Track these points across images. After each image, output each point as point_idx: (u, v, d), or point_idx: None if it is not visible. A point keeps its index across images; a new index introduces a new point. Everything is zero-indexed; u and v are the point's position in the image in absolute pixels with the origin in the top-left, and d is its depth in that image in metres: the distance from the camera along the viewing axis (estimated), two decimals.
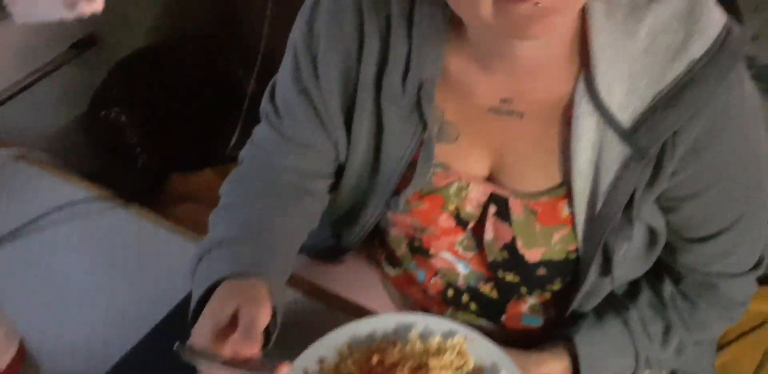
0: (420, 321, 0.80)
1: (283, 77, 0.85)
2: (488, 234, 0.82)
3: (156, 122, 1.39)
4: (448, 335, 0.78)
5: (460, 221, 0.83)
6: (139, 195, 1.06)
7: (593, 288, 0.82)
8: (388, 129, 0.79)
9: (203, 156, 1.43)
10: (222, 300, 0.71)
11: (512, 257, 0.82)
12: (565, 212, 0.77)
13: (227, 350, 0.67)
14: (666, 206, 0.76)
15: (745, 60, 0.70)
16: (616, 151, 0.71)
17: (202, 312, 0.71)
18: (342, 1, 0.76)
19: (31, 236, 0.96)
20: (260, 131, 0.91)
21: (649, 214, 0.76)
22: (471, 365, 0.74)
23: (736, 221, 0.77)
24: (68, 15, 1.11)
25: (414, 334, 0.79)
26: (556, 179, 0.76)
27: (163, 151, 1.40)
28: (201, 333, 0.69)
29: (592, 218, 0.76)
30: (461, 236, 0.85)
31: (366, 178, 0.85)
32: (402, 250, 0.93)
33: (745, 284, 0.84)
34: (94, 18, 1.34)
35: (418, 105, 0.76)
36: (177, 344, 0.68)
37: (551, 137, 0.75)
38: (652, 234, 0.79)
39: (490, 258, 0.84)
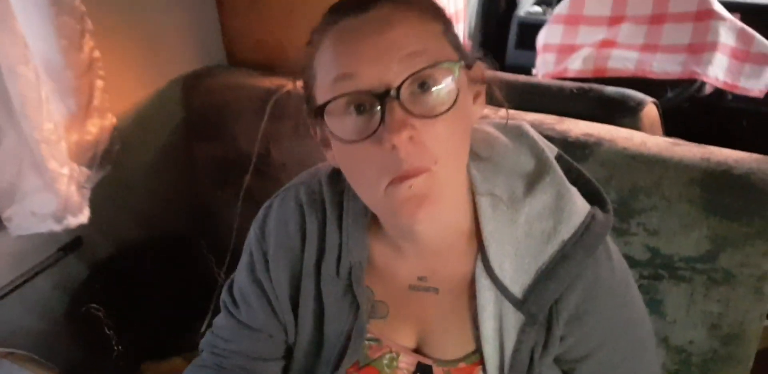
0: None
1: (240, 272, 1.01)
2: None
3: (132, 314, 1.51)
4: None
5: None
6: None
7: None
8: (328, 309, 0.93)
9: (175, 344, 1.54)
10: None
11: None
12: None
13: None
14: (566, 369, 0.89)
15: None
16: (513, 318, 0.85)
17: None
18: (287, 208, 0.95)
19: None
20: (218, 320, 1.05)
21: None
22: None
23: (634, 360, 0.89)
24: (57, 227, 1.29)
25: None
26: (470, 346, 0.90)
27: (137, 341, 1.50)
28: None
29: None
30: None
31: (313, 354, 0.97)
32: None
33: None
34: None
35: (350, 287, 0.91)
36: None
37: (463, 308, 0.90)
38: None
39: None
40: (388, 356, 0.93)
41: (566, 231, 0.83)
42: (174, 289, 1.59)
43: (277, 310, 0.97)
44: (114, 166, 1.54)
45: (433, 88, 0.74)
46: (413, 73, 0.72)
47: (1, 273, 1.40)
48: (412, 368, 0.93)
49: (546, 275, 0.83)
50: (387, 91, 0.72)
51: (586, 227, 0.83)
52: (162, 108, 1.69)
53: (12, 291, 1.40)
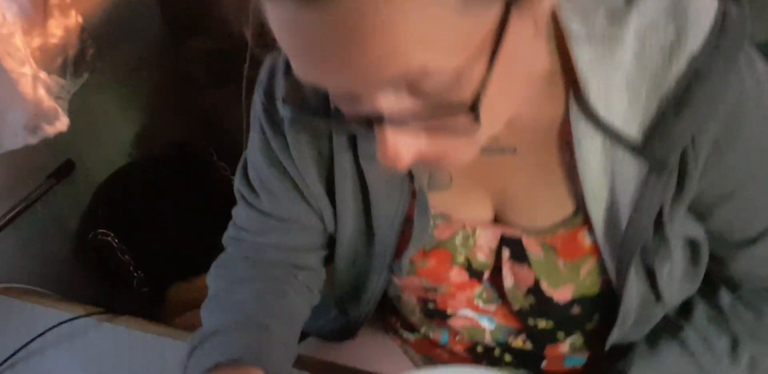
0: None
1: (253, 153, 0.80)
2: (508, 281, 0.75)
3: (147, 236, 1.35)
4: None
5: (474, 273, 0.76)
6: (141, 313, 1.00)
7: (640, 317, 0.74)
8: (374, 188, 0.74)
9: (203, 262, 1.38)
10: None
11: (540, 301, 0.74)
12: (587, 241, 0.70)
13: None
14: (700, 213, 0.69)
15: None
16: (632, 168, 0.64)
17: None
18: None
19: (23, 365, 0.90)
20: (238, 213, 0.86)
21: (684, 226, 0.68)
22: None
23: None
24: (33, 140, 1.10)
25: None
26: (568, 208, 0.70)
27: (158, 264, 1.35)
28: None
29: (618, 243, 0.68)
30: (478, 289, 0.78)
31: (362, 246, 0.79)
32: (416, 316, 0.86)
33: None
34: (66, 145, 1.34)
35: None
36: None
37: (553, 166, 0.69)
38: (693, 247, 0.71)
39: (515, 307, 0.77)
40: (461, 233, 0.74)
41: (694, 40, 0.59)
42: (188, 203, 1.42)
43: (307, 195, 0.78)
44: (92, 73, 1.34)
45: None
46: None
47: None
48: (495, 244, 0.74)
49: (675, 105, 0.61)
50: None
51: (721, 30, 0.60)
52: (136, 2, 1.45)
53: (3, 226, 1.22)
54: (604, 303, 0.73)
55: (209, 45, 1.50)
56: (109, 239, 1.29)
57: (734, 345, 0.74)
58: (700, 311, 0.77)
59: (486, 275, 0.76)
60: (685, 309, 0.78)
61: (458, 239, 0.74)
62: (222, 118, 1.57)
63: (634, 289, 0.70)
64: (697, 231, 0.69)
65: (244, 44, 1.52)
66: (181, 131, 1.61)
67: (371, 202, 0.75)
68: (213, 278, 0.85)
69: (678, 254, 0.70)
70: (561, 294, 0.73)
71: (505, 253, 0.73)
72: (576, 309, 0.74)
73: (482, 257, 0.75)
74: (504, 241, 0.73)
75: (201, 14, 1.46)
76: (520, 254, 0.72)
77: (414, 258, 0.76)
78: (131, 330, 0.95)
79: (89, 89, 1.35)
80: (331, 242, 0.84)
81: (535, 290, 0.73)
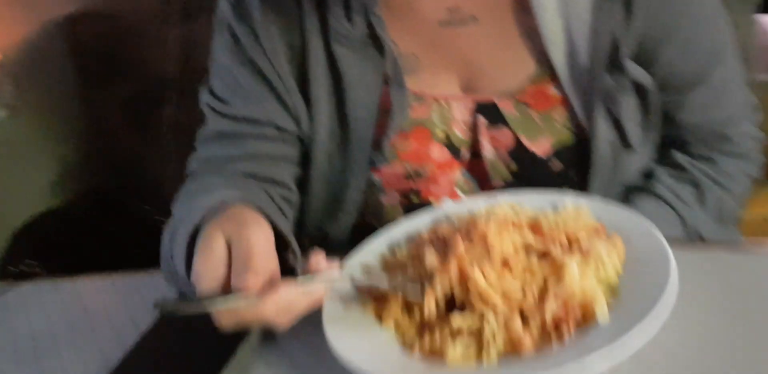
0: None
1: (221, 58, 0.84)
2: (487, 151, 0.81)
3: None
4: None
5: (454, 150, 0.82)
6: None
7: (613, 168, 0.81)
8: (348, 75, 0.79)
9: None
10: (207, 239, 0.60)
11: (522, 165, 0.81)
12: (554, 93, 0.79)
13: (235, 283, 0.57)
14: (646, 59, 0.79)
15: None
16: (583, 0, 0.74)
17: (193, 267, 0.59)
18: None
19: None
20: (207, 129, 0.86)
21: (633, 70, 0.78)
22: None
23: (713, 60, 0.81)
24: None
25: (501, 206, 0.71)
26: (532, 65, 0.79)
27: None
28: (206, 283, 0.57)
29: (582, 89, 0.77)
30: (459, 175, 0.83)
31: (337, 147, 0.83)
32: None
33: (750, 127, 0.87)
34: None
35: (371, 34, 0.78)
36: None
37: (512, 28, 0.79)
38: (641, 93, 0.80)
39: (497, 183, 0.82)
40: (436, 109, 0.82)
41: None
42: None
43: (280, 91, 0.81)
44: (11, 111, 1.32)
45: None
46: None
47: None
48: (469, 114, 0.81)
49: None
50: None
51: None
52: (53, 41, 1.48)
53: None
54: (580, 155, 0.81)
55: (125, 91, 1.54)
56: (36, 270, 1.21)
57: (699, 192, 0.84)
58: (661, 171, 0.86)
59: (465, 154, 0.82)
60: (649, 175, 0.87)
61: (435, 115, 0.81)
62: (142, 163, 1.57)
63: (603, 136, 0.79)
64: (645, 78, 0.79)
65: (162, 88, 1.58)
66: (100, 176, 1.58)
67: (345, 91, 0.80)
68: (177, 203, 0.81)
69: (630, 102, 0.79)
70: (541, 146, 0.80)
71: (481, 122, 0.81)
72: (556, 164, 0.81)
73: (459, 132, 0.82)
74: (479, 109, 0.81)
75: (115, 59, 1.51)
76: (496, 118, 0.80)
77: (394, 142, 0.81)
78: None
79: (6, 130, 1.32)
80: (304, 160, 0.85)
81: (517, 150, 0.80)
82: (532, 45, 0.79)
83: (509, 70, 0.81)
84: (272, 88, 0.81)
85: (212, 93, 0.85)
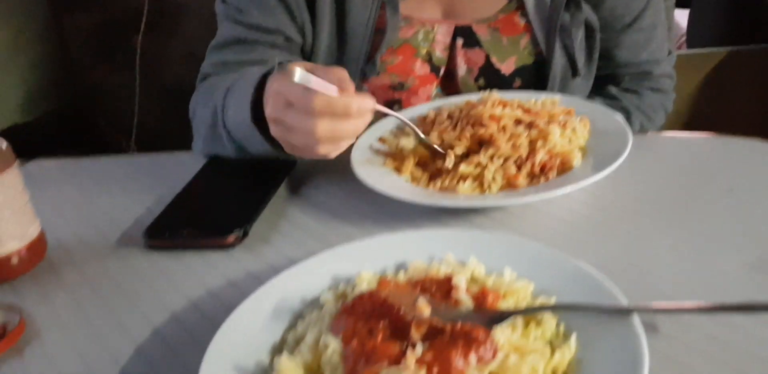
0: None
1: None
2: (461, 69, 0.98)
3: None
4: None
5: (433, 67, 0.99)
6: None
7: (561, 89, 0.99)
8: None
9: None
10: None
11: (489, 80, 0.98)
12: (521, 22, 0.97)
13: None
14: (594, 3, 0.98)
15: None
16: None
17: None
18: None
19: None
20: (223, 34, 0.98)
21: (586, 10, 0.97)
22: None
23: (646, 6, 1.00)
24: None
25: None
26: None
27: None
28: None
29: (545, 20, 0.95)
30: (434, 90, 0.99)
31: (335, 57, 0.97)
32: None
33: (668, 68, 1.08)
34: None
35: None
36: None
37: None
38: (589, 30, 0.99)
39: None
40: (421, 31, 0.98)
41: None
42: None
43: (292, 6, 0.94)
44: None
45: None
46: None
47: None
48: (449, 37, 0.98)
49: None
50: None
51: None
52: None
53: None
54: (537, 75, 0.99)
55: (97, 17, 1.60)
56: None
57: (626, 118, 1.02)
58: (598, 100, 1.05)
59: (442, 70, 0.98)
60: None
61: (420, 36, 0.98)
62: (109, 89, 1.64)
63: (557, 61, 0.97)
64: (592, 17, 0.98)
65: (134, 12, 1.64)
66: (65, 100, 1.62)
67: (347, 11, 0.94)
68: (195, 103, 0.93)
69: (581, 36, 0.98)
70: (507, 66, 0.98)
71: (459, 42, 0.98)
72: (517, 82, 0.99)
73: (439, 52, 0.98)
74: (457, 32, 0.98)
75: None
76: (471, 40, 0.98)
77: (384, 57, 0.97)
78: None
79: None
80: None
81: (486, 67, 0.98)
82: None
83: (485, 1, 0.98)
84: (285, 4, 0.94)
85: (227, 3, 0.97)
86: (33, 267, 0.71)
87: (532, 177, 0.73)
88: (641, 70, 1.05)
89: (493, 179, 0.72)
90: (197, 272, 0.69)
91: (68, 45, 1.64)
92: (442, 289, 0.51)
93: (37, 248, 0.71)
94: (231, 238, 0.71)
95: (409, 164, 0.77)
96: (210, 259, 0.70)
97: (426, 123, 0.83)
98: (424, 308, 0.47)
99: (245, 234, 0.72)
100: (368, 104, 0.66)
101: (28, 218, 0.70)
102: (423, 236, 0.62)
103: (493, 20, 0.97)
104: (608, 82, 1.06)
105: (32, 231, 0.70)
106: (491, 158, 0.74)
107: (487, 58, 0.97)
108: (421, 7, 0.98)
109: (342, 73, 0.68)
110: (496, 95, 0.84)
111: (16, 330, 0.61)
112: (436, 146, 0.76)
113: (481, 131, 0.75)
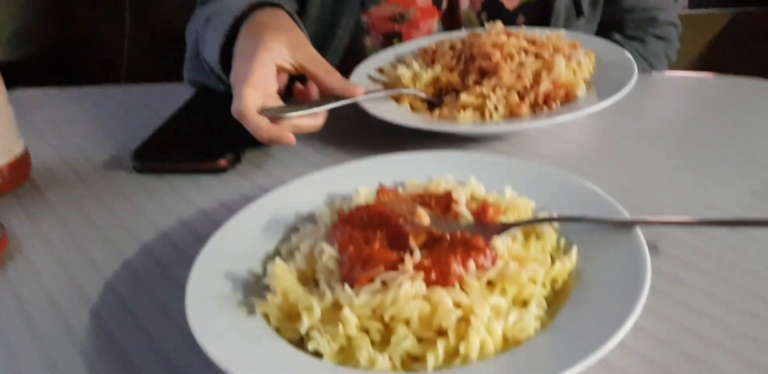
0: None
1: None
2: (464, 3, 0.95)
3: None
4: None
5: (435, 0, 0.95)
6: None
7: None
8: None
9: None
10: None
11: (491, 13, 0.95)
12: None
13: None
14: None
15: None
16: None
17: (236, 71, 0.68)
18: None
19: None
20: None
21: None
22: None
23: None
24: None
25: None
26: None
27: None
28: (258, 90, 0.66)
29: None
30: (436, 24, 0.96)
31: None
32: None
33: (673, 15, 1.05)
34: None
35: None
36: None
37: None
38: None
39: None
40: None
41: None
42: None
43: None
44: None
45: None
46: None
47: None
48: None
49: None
50: None
51: None
52: None
53: None
54: (541, 13, 0.96)
55: None
56: None
57: None
58: None
59: (444, 3, 0.95)
60: None
61: None
62: (98, 32, 1.59)
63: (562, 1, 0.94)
64: None
65: None
66: (53, 42, 1.58)
67: None
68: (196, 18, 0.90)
69: None
70: (510, 1, 0.95)
71: None
72: (520, 19, 0.96)
73: None
74: None
75: None
76: None
77: None
78: None
79: None
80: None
81: (490, 2, 0.94)
82: None
83: None
84: None
85: None
86: (17, 187, 0.69)
87: (535, 107, 0.71)
88: (646, 17, 1.03)
89: (495, 108, 0.70)
90: (188, 194, 0.67)
91: None
92: (441, 203, 0.49)
93: (21, 167, 0.69)
94: (223, 161, 0.69)
95: (408, 98, 0.74)
96: (201, 182, 0.68)
97: (427, 54, 0.81)
98: (424, 217, 0.45)
99: (238, 159, 0.70)
100: (287, 137, 0.64)
101: (11, 135, 0.68)
102: (422, 157, 0.60)
103: None
104: (612, 29, 1.04)
105: (15, 149, 0.68)
106: (493, 88, 0.72)
107: None
108: None
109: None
110: (500, 25, 0.81)
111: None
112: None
113: (485, 62, 0.73)
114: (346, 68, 1.01)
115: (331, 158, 0.71)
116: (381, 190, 0.50)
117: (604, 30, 1.03)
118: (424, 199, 0.50)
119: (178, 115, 0.78)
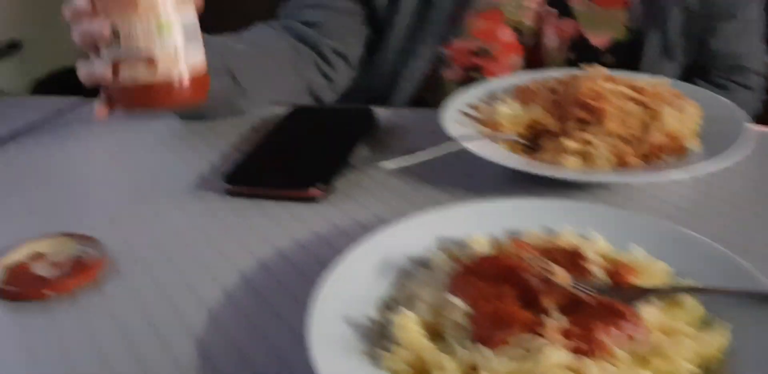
0: None
1: None
2: (551, 40, 0.93)
3: None
4: None
5: (521, 35, 0.94)
6: None
7: (653, 71, 0.94)
8: None
9: None
10: None
11: (578, 53, 0.93)
12: None
13: None
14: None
15: None
16: None
17: None
18: None
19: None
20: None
21: None
22: None
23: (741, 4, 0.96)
24: None
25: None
26: None
27: None
28: None
29: None
30: (518, 60, 0.95)
31: (418, 17, 0.93)
32: None
33: (761, 65, 1.03)
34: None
35: None
36: None
37: None
38: (690, 14, 0.93)
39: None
40: None
41: None
42: None
43: None
44: None
45: None
46: None
47: None
48: (540, 5, 0.93)
49: None
50: None
51: None
52: None
53: None
54: (630, 54, 0.94)
55: None
56: None
57: None
58: None
59: (529, 39, 0.94)
60: None
61: (510, 1, 0.93)
62: None
63: (653, 40, 0.93)
64: (694, 1, 0.93)
65: None
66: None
67: None
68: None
69: (680, 18, 0.93)
70: (599, 40, 0.93)
71: (551, 12, 0.93)
72: (609, 59, 0.94)
73: (528, 19, 0.94)
74: (549, 2, 0.93)
75: None
76: (564, 10, 0.93)
77: (470, 20, 0.93)
78: None
79: None
80: (370, 44, 0.96)
81: (577, 40, 0.93)
82: None
83: None
84: None
85: None
86: (197, 99, 0.61)
87: (644, 158, 0.69)
88: (733, 64, 1.01)
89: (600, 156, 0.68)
90: (281, 222, 0.65)
91: None
92: (567, 259, 0.47)
93: (201, 84, 0.61)
94: (313, 191, 0.67)
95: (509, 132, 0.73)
96: (293, 211, 0.67)
97: (525, 93, 0.79)
98: (563, 276, 0.43)
99: (330, 189, 0.69)
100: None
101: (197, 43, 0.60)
102: (537, 204, 0.57)
103: None
104: (696, 75, 1.01)
105: (197, 61, 0.60)
106: (597, 135, 0.69)
107: (579, 30, 0.93)
108: None
109: None
110: (602, 69, 0.79)
111: (96, 263, 0.57)
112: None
113: (588, 108, 0.71)
114: (423, 99, 1.01)
115: (421, 192, 0.69)
116: (516, 243, 0.48)
117: (686, 74, 1.01)
118: (550, 253, 0.48)
119: (270, 135, 0.77)
